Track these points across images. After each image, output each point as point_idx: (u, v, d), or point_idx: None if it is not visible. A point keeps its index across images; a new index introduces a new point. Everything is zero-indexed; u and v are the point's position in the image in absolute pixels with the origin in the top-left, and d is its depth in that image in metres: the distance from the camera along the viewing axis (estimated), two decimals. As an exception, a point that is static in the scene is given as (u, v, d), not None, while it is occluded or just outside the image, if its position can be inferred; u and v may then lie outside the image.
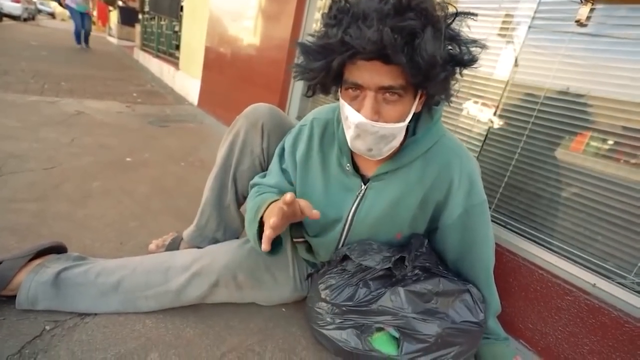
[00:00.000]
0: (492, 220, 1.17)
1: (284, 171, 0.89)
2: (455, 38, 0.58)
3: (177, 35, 5.00)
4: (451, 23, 0.58)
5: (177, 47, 4.78)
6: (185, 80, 4.06)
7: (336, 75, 0.64)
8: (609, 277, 0.94)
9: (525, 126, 1.11)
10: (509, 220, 1.15)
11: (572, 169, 1.02)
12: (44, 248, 0.87)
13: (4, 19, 10.43)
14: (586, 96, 1.00)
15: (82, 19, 7.05)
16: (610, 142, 0.97)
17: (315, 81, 0.67)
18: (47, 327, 0.78)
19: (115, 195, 1.44)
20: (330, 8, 0.59)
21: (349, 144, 0.70)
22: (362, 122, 0.62)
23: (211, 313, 0.94)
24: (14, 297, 0.79)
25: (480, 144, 1.22)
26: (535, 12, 1.07)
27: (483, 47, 0.60)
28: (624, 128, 0.93)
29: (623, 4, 0.91)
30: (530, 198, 1.11)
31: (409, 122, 0.68)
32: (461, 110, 1.28)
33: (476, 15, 0.60)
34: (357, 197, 0.81)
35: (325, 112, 0.86)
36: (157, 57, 5.76)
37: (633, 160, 0.92)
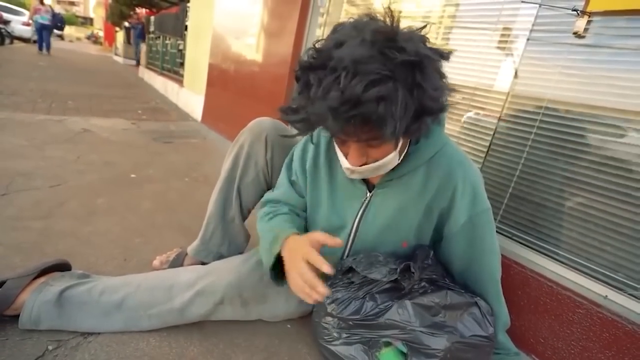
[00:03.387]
0: (498, 232, 1.16)
1: (292, 183, 0.90)
2: (437, 88, 0.55)
3: (181, 53, 5.12)
4: (433, 71, 0.55)
5: (182, 65, 4.90)
6: (190, 97, 4.13)
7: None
8: (620, 289, 0.92)
9: (527, 137, 1.11)
10: (515, 231, 1.14)
11: (576, 178, 1.01)
12: (48, 266, 0.87)
13: (15, 41, 10.74)
14: (587, 106, 1.00)
15: (43, 29, 8.69)
16: (615, 151, 0.96)
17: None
18: (50, 347, 0.77)
19: (120, 212, 1.44)
20: (297, 76, 0.59)
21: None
22: (351, 168, 0.67)
23: (215, 331, 0.92)
24: (17, 315, 0.79)
25: (483, 155, 1.22)
26: (533, 24, 1.09)
27: (452, 90, 0.58)
28: (627, 137, 0.93)
29: (620, 16, 0.93)
30: (536, 208, 1.10)
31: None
32: (463, 121, 1.28)
33: (454, 51, 0.60)
34: (363, 204, 0.82)
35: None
36: (162, 74, 5.88)
37: (637, 169, 0.91)
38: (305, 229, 0.90)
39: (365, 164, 0.65)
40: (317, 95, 0.52)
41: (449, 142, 0.78)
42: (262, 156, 0.95)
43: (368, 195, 0.81)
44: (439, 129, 0.75)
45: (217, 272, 0.90)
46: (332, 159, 0.84)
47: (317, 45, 0.57)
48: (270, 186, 1.01)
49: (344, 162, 0.67)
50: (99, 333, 0.83)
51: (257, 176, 0.97)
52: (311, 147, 0.86)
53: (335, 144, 0.70)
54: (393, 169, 0.73)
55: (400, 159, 0.71)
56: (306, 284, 0.64)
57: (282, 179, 0.92)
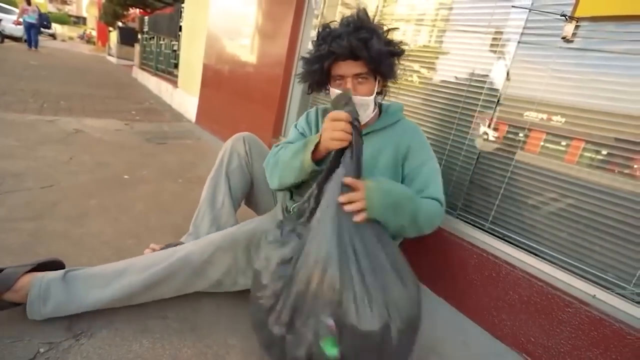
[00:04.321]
0: (489, 232, 1.19)
1: (300, 133, 1.13)
2: (390, 41, 0.94)
3: (175, 54, 5.10)
4: (387, 34, 0.95)
5: (176, 66, 4.87)
6: (183, 97, 4.12)
7: (325, 75, 0.97)
8: (608, 288, 0.94)
9: (518, 138, 1.13)
10: (506, 232, 1.16)
11: (567, 180, 1.03)
12: (43, 262, 0.88)
13: (6, 40, 10.59)
14: (576, 109, 1.02)
15: (31, 28, 9.27)
16: (603, 153, 0.98)
17: (313, 80, 0.99)
18: (42, 350, 0.76)
19: (112, 213, 1.43)
20: (318, 35, 0.96)
21: None
22: None
23: (210, 331, 0.92)
24: (9, 316, 0.78)
25: (475, 156, 1.24)
26: (524, 28, 1.11)
27: (405, 44, 0.98)
28: (616, 139, 0.95)
29: (607, 21, 0.95)
30: (527, 210, 1.12)
31: (377, 108, 1.06)
32: (454, 123, 1.30)
33: (397, 29, 1.02)
34: None
35: (323, 107, 1.19)
36: (156, 75, 5.85)
37: (626, 171, 0.94)
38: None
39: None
40: (335, 30, 0.91)
41: (405, 118, 1.09)
42: (242, 149, 1.19)
43: None
44: (398, 108, 1.08)
45: (218, 233, 1.02)
46: None
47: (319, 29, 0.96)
48: (251, 173, 1.22)
49: None
50: (91, 334, 0.83)
51: (240, 164, 1.19)
52: (312, 112, 1.16)
53: (333, 89, 0.96)
54: (370, 125, 1.02)
55: (375, 111, 1.04)
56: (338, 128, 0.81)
57: (291, 133, 1.15)
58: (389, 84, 1.04)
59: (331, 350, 0.69)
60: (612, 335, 0.86)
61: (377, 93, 1.01)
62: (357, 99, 0.92)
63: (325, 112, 1.15)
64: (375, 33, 0.90)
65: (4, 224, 1.19)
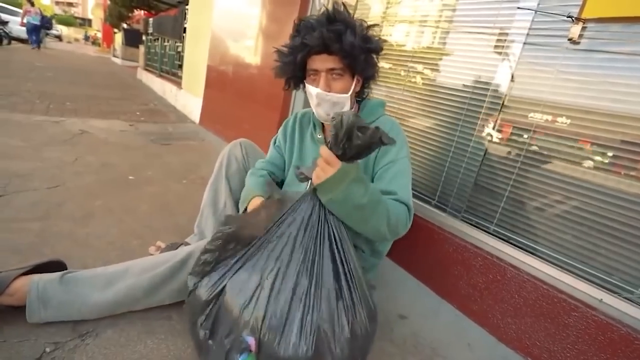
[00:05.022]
0: (494, 235, 1.18)
1: (276, 148, 1.19)
2: (367, 36, 0.91)
3: (179, 55, 5.12)
4: (365, 30, 0.92)
5: (180, 67, 4.90)
6: (188, 98, 4.14)
7: (300, 69, 0.96)
8: (615, 292, 0.93)
9: (524, 140, 1.12)
10: (511, 234, 1.15)
11: (572, 182, 1.03)
12: (43, 263, 0.88)
13: (13, 42, 10.71)
14: (583, 110, 1.01)
15: (34, 29, 9.93)
16: (609, 155, 0.97)
17: (289, 74, 0.99)
18: (48, 349, 0.77)
19: (117, 214, 1.44)
20: (294, 27, 0.95)
21: (315, 112, 1.01)
22: (319, 92, 0.93)
23: (213, 333, 0.92)
24: (15, 316, 0.79)
25: (480, 158, 1.23)
26: (529, 29, 1.10)
27: (385, 41, 1.00)
28: (622, 142, 0.94)
29: (614, 23, 0.94)
30: (532, 212, 1.11)
31: (356, 106, 1.04)
32: (459, 125, 1.29)
33: (377, 25, 1.02)
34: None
35: (304, 110, 1.21)
36: (160, 76, 5.88)
37: (632, 173, 0.93)
38: (283, 177, 1.19)
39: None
40: (311, 20, 0.91)
41: (387, 116, 1.08)
42: (240, 153, 1.23)
43: None
44: (379, 105, 1.08)
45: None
46: (303, 129, 1.15)
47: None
48: None
49: (314, 90, 0.93)
50: (97, 334, 0.83)
51: (239, 166, 1.22)
52: (290, 121, 1.19)
53: (308, 85, 0.96)
54: None
55: (352, 107, 1.00)
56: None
57: (269, 150, 1.21)
58: (372, 84, 1.03)
59: None
60: (620, 340, 0.85)
61: (357, 93, 1.00)
62: (330, 96, 0.92)
63: (304, 117, 1.17)
64: (349, 26, 0.87)
65: (11, 224, 1.20)
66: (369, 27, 0.94)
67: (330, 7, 0.91)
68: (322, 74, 0.92)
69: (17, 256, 1.04)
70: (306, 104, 2.16)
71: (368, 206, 0.77)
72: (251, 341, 0.68)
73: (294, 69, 0.96)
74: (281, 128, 1.21)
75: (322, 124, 1.08)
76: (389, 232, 0.84)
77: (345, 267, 0.76)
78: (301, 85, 1.03)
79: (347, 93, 0.94)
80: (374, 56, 0.95)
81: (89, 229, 1.28)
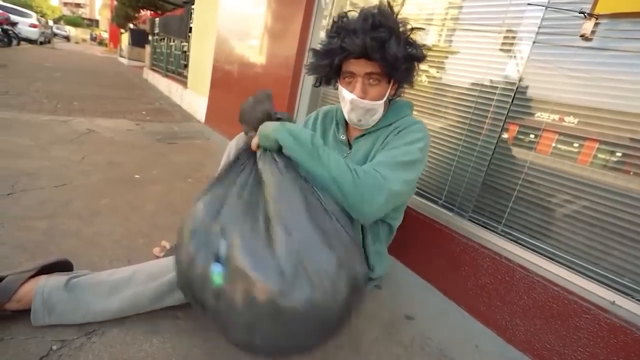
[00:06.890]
0: (502, 235, 1.16)
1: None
2: (411, 43, 0.86)
3: (185, 55, 5.15)
4: (409, 35, 0.86)
5: (186, 67, 4.92)
6: (193, 98, 4.15)
7: (336, 70, 0.92)
8: (627, 294, 0.91)
9: (533, 139, 1.10)
10: (520, 235, 1.13)
11: (582, 181, 1.00)
12: (49, 264, 0.87)
13: (22, 42, 10.85)
14: (594, 108, 0.99)
15: None
16: (619, 154, 0.95)
17: (322, 74, 0.96)
18: (54, 347, 0.77)
19: (124, 213, 1.45)
20: (332, 26, 0.89)
21: (346, 117, 0.97)
22: (354, 98, 0.89)
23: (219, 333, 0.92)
24: (22, 315, 0.79)
25: (488, 158, 1.21)
26: (539, 27, 1.08)
27: (428, 49, 0.92)
28: (632, 140, 0.92)
29: (628, 18, 0.92)
30: (541, 212, 1.09)
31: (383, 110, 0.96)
32: (467, 124, 1.28)
33: (424, 29, 0.96)
34: (345, 157, 0.99)
35: (327, 107, 1.16)
36: (166, 76, 5.92)
37: (646, 173, 0.90)
38: None
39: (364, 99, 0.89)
40: (351, 23, 0.84)
41: (411, 116, 1.00)
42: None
43: (348, 150, 1.02)
44: (406, 106, 1.01)
45: None
46: (326, 128, 1.10)
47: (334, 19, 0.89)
48: None
49: (349, 95, 0.90)
50: (103, 332, 0.83)
51: None
52: (312, 117, 1.15)
53: (342, 87, 0.92)
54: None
55: (383, 113, 0.96)
56: None
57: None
58: (407, 88, 0.97)
59: (218, 279, 0.67)
60: (633, 343, 0.83)
61: (390, 96, 0.95)
62: (365, 103, 0.88)
63: (326, 116, 1.12)
64: (394, 33, 0.81)
65: (19, 222, 1.21)
66: (413, 29, 0.87)
67: (376, 8, 0.84)
68: (358, 78, 0.87)
69: (24, 254, 1.05)
70: (311, 103, 2.16)
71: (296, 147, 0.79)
72: (223, 244, 0.67)
73: (329, 72, 0.92)
74: (305, 120, 1.16)
75: (346, 123, 1.03)
76: (338, 189, 0.76)
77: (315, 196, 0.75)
78: (333, 82, 0.98)
79: (382, 99, 0.90)
80: (416, 64, 0.90)
81: (96, 228, 1.29)
